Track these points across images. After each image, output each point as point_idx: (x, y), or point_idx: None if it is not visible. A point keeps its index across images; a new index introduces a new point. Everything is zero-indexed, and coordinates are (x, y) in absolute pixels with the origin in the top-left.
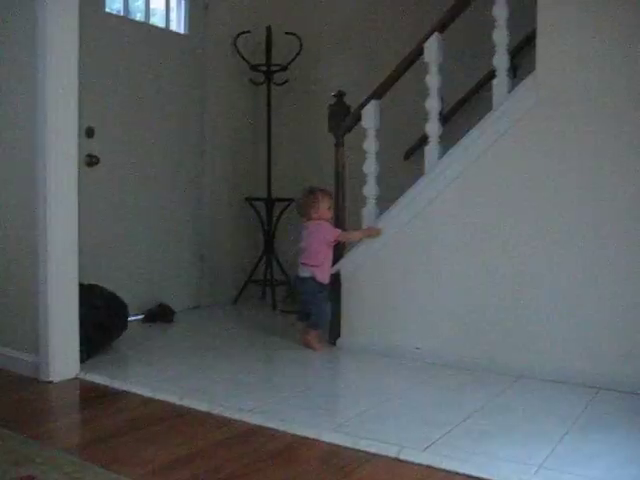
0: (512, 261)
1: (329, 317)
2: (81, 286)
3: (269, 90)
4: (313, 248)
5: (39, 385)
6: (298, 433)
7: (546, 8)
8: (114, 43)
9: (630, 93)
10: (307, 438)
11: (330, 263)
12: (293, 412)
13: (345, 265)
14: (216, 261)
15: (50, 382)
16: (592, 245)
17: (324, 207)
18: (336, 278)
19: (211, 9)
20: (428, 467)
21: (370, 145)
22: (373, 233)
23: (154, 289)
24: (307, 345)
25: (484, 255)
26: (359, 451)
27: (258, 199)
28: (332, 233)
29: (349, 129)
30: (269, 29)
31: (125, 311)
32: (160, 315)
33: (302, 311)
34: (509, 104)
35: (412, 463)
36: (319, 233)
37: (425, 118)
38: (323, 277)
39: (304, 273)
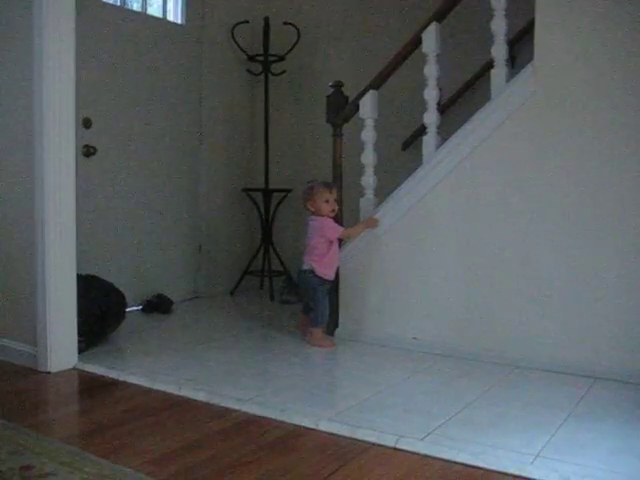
0: (509, 251)
1: (327, 314)
2: (79, 277)
3: (267, 80)
4: (312, 243)
5: (37, 376)
6: (296, 422)
7: None
8: (111, 33)
9: (629, 83)
10: (305, 427)
11: (334, 259)
12: (291, 402)
13: (343, 256)
14: (214, 252)
15: (48, 373)
16: (590, 235)
17: (320, 200)
18: None
19: None
20: (425, 456)
21: (368, 135)
22: (372, 224)
23: (152, 280)
24: (313, 344)
25: (482, 245)
26: (357, 440)
27: (255, 189)
28: (333, 231)
29: (347, 119)
30: (267, 19)
31: (123, 302)
32: (158, 306)
33: (305, 303)
34: (507, 94)
35: (410, 452)
36: (321, 230)
37: (423, 108)
38: (323, 272)
39: (305, 266)
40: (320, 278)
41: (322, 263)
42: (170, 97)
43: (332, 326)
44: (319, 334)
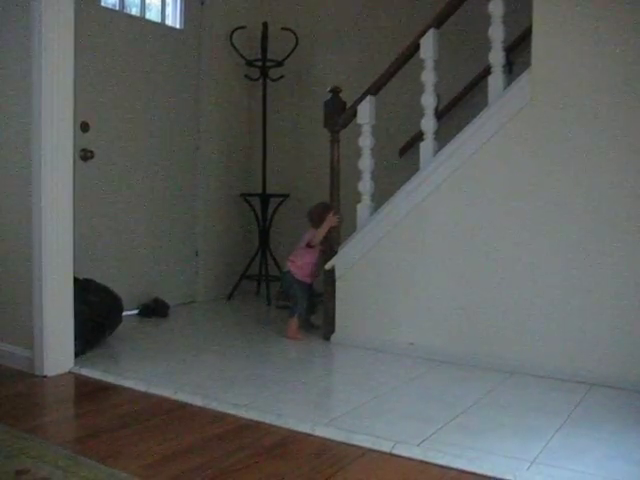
0: (506, 257)
1: (303, 308)
2: (76, 281)
3: (265, 86)
4: (297, 247)
5: (33, 379)
6: (292, 428)
7: (542, 4)
8: (110, 37)
9: (626, 90)
10: (301, 433)
11: (308, 264)
12: (287, 407)
13: (339, 261)
14: (211, 256)
15: (45, 376)
16: (588, 242)
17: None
18: (330, 274)
19: (207, 4)
20: (422, 462)
21: (365, 141)
22: (333, 222)
23: (149, 284)
24: (288, 335)
25: (478, 251)
26: (353, 446)
27: (253, 194)
28: (309, 235)
29: (345, 125)
30: (265, 25)
31: (120, 306)
32: (155, 310)
33: (308, 307)
34: (504, 100)
35: (406, 458)
36: (305, 238)
37: (420, 114)
38: (296, 271)
39: (285, 268)
40: (293, 276)
41: (296, 265)
42: (168, 102)
43: (328, 331)
44: (293, 324)
